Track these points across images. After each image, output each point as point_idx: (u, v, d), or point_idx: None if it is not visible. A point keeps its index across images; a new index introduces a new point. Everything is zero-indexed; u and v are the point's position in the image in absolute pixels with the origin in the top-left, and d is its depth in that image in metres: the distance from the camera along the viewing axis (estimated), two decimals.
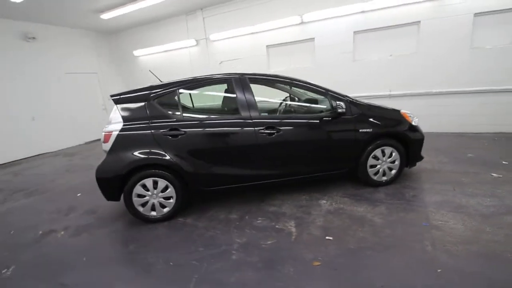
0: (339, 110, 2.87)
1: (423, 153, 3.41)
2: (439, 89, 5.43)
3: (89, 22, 7.53)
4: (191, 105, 3.43)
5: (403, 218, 2.58)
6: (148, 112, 2.79)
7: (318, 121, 3.00)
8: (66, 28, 7.77)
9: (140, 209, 2.82)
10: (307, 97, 3.89)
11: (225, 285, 1.96)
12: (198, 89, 3.11)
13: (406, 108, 3.44)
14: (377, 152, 3.15)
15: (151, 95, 2.85)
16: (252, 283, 1.95)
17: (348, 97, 3.11)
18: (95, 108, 8.62)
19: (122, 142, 2.71)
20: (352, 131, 3.04)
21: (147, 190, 2.78)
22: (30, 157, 6.98)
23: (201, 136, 2.83)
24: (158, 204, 2.84)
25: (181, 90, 2.94)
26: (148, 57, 8.75)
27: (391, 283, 1.81)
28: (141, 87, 2.93)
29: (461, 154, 4.17)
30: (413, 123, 3.27)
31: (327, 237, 2.37)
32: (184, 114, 2.89)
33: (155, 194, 2.80)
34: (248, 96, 2.91)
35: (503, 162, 3.72)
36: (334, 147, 3.09)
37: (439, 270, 1.89)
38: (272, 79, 3.30)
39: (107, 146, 2.72)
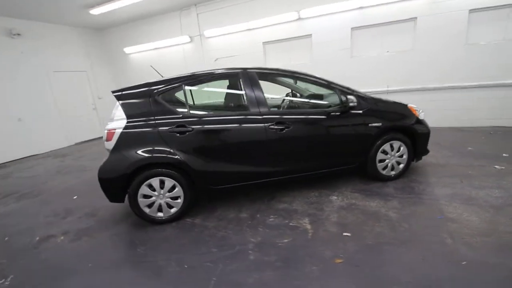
0: (351, 104, 2.83)
1: None
2: (435, 84, 5.50)
3: (78, 17, 7.22)
4: (197, 101, 3.30)
5: (417, 212, 2.57)
6: (152, 108, 2.66)
7: (329, 115, 2.95)
8: (53, 25, 7.42)
9: (146, 210, 2.69)
10: (309, 92, 3.85)
11: (244, 285, 1.88)
12: (204, 84, 2.98)
13: None
14: (386, 147, 3.13)
15: (155, 90, 2.72)
16: (273, 283, 1.87)
17: (357, 91, 3.07)
18: (85, 107, 8.30)
19: (127, 140, 2.57)
20: (362, 125, 3.00)
21: (153, 190, 2.65)
22: (18, 159, 6.65)
23: (210, 133, 2.73)
24: (165, 205, 2.72)
25: (186, 85, 2.82)
26: (140, 55, 8.50)
27: (417, 278, 1.78)
28: (144, 82, 2.80)
29: (462, 148, 4.23)
30: (419, 117, 3.27)
31: (344, 234, 2.32)
32: (191, 110, 2.77)
33: (161, 194, 2.68)
34: (257, 91, 2.82)
35: (504, 155, 3.78)
36: (344, 142, 3.05)
37: (463, 263, 1.87)
38: (283, 74, 3.21)
39: (110, 144, 2.57)
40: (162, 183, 2.65)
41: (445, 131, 5.30)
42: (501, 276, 1.74)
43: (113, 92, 2.69)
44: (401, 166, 3.26)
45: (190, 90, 3.15)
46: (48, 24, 7.31)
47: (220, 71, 2.92)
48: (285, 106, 3.55)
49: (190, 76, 2.85)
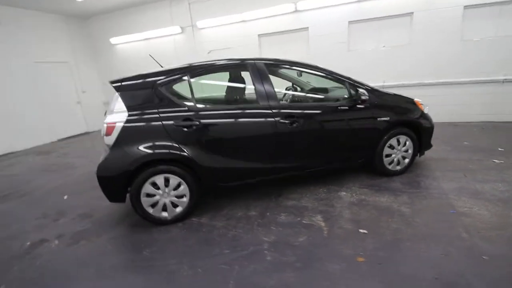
0: (363, 98, 2.77)
1: None
2: (430, 80, 5.58)
3: (61, 4, 6.73)
4: (201, 93, 3.12)
5: (429, 207, 2.56)
6: (156, 100, 2.47)
7: (338, 109, 2.87)
8: (34, 11, 6.87)
9: (150, 210, 2.52)
10: (310, 86, 3.76)
11: None
12: (210, 74, 2.80)
13: None
14: (393, 141, 3.11)
15: (158, 81, 2.52)
16: (296, 284, 1.79)
17: (366, 85, 3.01)
18: (68, 101, 7.82)
19: (129, 134, 2.37)
20: (371, 119, 2.96)
21: (157, 188, 2.48)
22: None
23: (218, 127, 2.58)
24: (170, 204, 2.56)
25: (192, 76, 2.64)
26: (127, 45, 8.08)
27: (443, 274, 1.75)
28: (145, 72, 2.59)
29: (458, 143, 4.31)
30: (424, 111, 3.27)
31: (360, 230, 2.27)
32: (197, 103, 2.60)
33: (166, 193, 2.51)
34: (266, 83, 2.69)
35: (499, 149, 3.88)
36: (354, 136, 3.00)
37: (485, 257, 1.86)
38: (295, 66, 3.05)
39: (111, 139, 2.36)
40: (166, 181, 2.49)
41: (439, 126, 5.35)
42: None
43: (112, 82, 2.48)
44: (406, 160, 3.26)
45: (193, 82, 2.97)
46: (28, 10, 6.76)
47: (223, 62, 2.76)
48: (288, 100, 3.45)
49: (195, 66, 2.67)
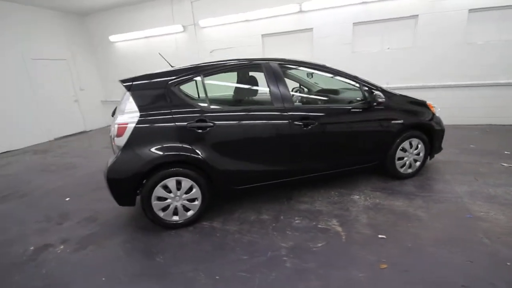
0: (380, 100, 2.73)
1: None
2: (434, 82, 5.59)
3: (59, 0, 6.55)
4: (216, 94, 3.04)
5: (445, 211, 2.53)
6: (168, 101, 2.39)
7: (354, 111, 2.83)
8: (31, 7, 6.66)
9: (161, 213, 2.43)
10: (318, 87, 3.73)
11: None
12: (222, 74, 2.71)
13: None
14: (405, 144, 3.07)
15: (170, 81, 2.44)
16: None
17: (380, 87, 2.97)
18: (66, 99, 7.62)
19: (141, 135, 2.28)
20: (384, 121, 2.92)
21: (169, 192, 2.40)
22: None
23: (233, 128, 2.50)
24: (181, 207, 2.47)
25: (205, 76, 2.56)
26: (127, 44, 7.92)
27: (471, 281, 1.71)
28: (156, 71, 2.50)
29: (465, 145, 4.32)
30: (436, 114, 3.26)
31: (379, 236, 2.22)
32: (210, 104, 2.52)
33: (178, 196, 2.43)
34: (281, 85, 2.63)
35: (506, 152, 3.90)
36: (367, 139, 2.95)
37: (508, 263, 1.83)
38: (312, 68, 3.01)
39: (122, 140, 2.27)
40: (178, 184, 2.40)
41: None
42: None
43: (123, 81, 2.38)
44: (418, 163, 3.24)
45: (205, 82, 2.89)
46: (25, 6, 6.56)
47: (235, 62, 2.67)
48: (302, 101, 3.39)
49: (208, 66, 2.58)
